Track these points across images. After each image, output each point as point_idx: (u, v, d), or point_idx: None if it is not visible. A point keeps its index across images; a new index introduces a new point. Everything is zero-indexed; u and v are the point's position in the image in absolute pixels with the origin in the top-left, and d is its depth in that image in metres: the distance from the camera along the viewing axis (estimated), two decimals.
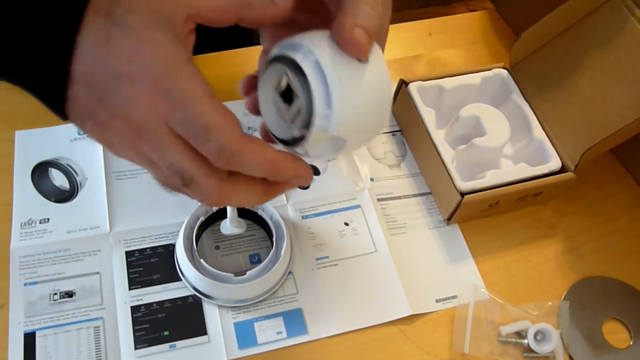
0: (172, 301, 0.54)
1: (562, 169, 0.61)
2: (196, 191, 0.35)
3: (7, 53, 0.32)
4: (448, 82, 0.65)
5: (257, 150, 0.33)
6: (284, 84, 0.35)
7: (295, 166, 0.36)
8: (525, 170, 0.60)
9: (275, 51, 0.36)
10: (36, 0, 0.31)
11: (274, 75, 0.36)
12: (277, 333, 0.53)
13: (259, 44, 0.80)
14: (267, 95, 0.37)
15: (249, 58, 0.72)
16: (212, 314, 0.54)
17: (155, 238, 0.57)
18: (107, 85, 0.32)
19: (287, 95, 0.35)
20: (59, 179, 0.59)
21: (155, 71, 0.31)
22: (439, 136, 0.61)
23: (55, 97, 0.33)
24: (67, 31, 0.31)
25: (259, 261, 0.57)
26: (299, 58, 0.34)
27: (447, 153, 0.60)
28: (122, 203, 0.58)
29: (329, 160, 0.64)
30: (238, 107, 0.68)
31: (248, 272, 0.53)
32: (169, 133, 0.32)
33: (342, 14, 0.34)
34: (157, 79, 0.31)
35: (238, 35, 0.74)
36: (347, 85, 0.33)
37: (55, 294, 0.53)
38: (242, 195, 0.36)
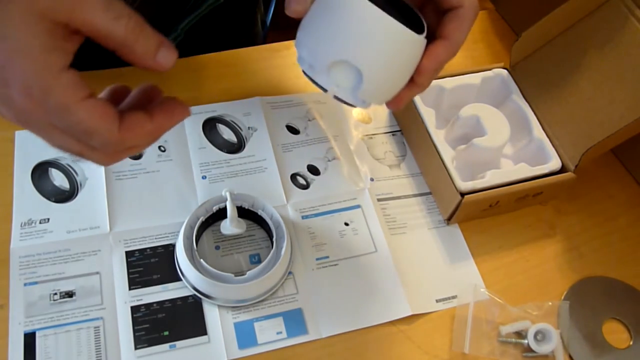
0: (172, 301, 0.54)
1: (562, 169, 0.61)
2: (90, 160, 0.37)
3: None
4: (448, 82, 0.65)
5: (137, 134, 0.36)
6: None
7: (173, 121, 0.38)
8: (525, 170, 0.60)
9: None
10: None
11: None
12: (277, 333, 0.53)
13: (258, 44, 0.80)
14: None
15: (248, 58, 0.72)
16: (212, 314, 0.54)
17: (155, 238, 0.57)
18: None
19: None
20: (59, 179, 0.59)
21: (27, 82, 0.32)
22: (439, 136, 0.61)
23: None
24: None
25: (259, 261, 0.57)
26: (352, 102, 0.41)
27: (447, 153, 0.60)
28: (122, 203, 0.58)
29: (329, 150, 0.64)
30: (238, 107, 0.68)
31: (248, 272, 0.53)
32: (52, 127, 0.34)
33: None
34: (29, 90, 0.32)
35: (238, 36, 0.74)
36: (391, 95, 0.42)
37: (55, 294, 0.53)
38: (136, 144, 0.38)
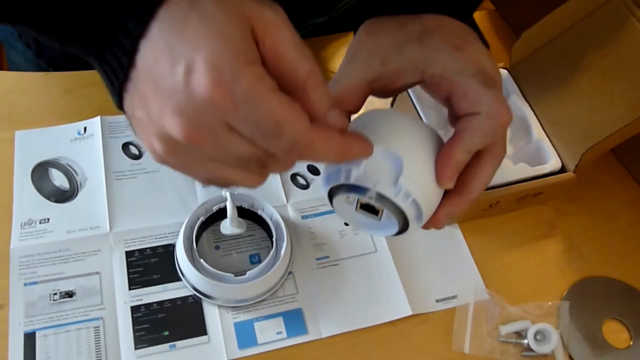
0: (172, 301, 0.54)
1: (562, 169, 0.61)
2: (273, 168, 0.34)
3: (87, 17, 0.32)
4: None
5: (327, 138, 0.33)
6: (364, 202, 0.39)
7: (359, 147, 0.36)
8: (525, 170, 0.60)
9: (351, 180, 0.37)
10: None
11: (351, 196, 0.39)
12: (277, 333, 0.53)
13: None
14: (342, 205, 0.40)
15: None
16: (212, 314, 0.54)
17: (155, 238, 0.57)
18: (166, 69, 0.30)
19: (369, 207, 0.39)
20: (59, 179, 0.59)
21: (221, 63, 0.29)
22: None
23: (119, 71, 0.32)
24: (150, 3, 0.30)
25: (259, 261, 0.57)
26: (394, 198, 0.37)
27: None
28: (122, 203, 0.58)
29: None
30: None
31: (248, 272, 0.53)
32: (227, 130, 0.31)
33: (462, 186, 0.39)
34: (220, 71, 0.29)
35: None
36: (432, 198, 0.38)
37: (55, 294, 0.53)
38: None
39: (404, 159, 0.37)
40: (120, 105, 0.34)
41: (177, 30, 0.30)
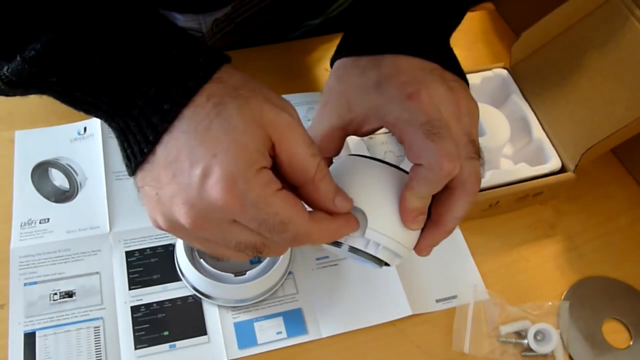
0: (172, 301, 0.54)
1: (562, 169, 0.61)
2: (268, 253, 0.38)
3: (115, 100, 0.35)
4: None
5: (322, 229, 0.37)
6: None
7: (348, 229, 0.39)
8: (525, 170, 0.60)
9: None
10: (164, 68, 0.34)
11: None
12: (277, 333, 0.53)
13: (257, 44, 0.79)
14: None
15: (247, 58, 0.72)
16: (212, 314, 0.54)
17: (155, 238, 0.57)
18: (184, 167, 0.34)
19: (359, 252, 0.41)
20: (59, 179, 0.59)
21: (234, 172, 0.33)
22: None
23: (139, 155, 0.35)
24: (176, 104, 0.33)
25: (259, 261, 0.57)
26: (364, 249, 0.40)
27: None
28: (122, 203, 0.58)
29: None
30: None
31: (248, 272, 0.53)
32: (231, 224, 0.35)
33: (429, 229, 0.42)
34: (233, 181, 0.33)
35: (239, 39, 0.74)
36: (403, 238, 0.41)
37: (55, 294, 0.53)
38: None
39: (367, 211, 0.39)
40: (131, 174, 0.37)
41: (200, 134, 0.33)
